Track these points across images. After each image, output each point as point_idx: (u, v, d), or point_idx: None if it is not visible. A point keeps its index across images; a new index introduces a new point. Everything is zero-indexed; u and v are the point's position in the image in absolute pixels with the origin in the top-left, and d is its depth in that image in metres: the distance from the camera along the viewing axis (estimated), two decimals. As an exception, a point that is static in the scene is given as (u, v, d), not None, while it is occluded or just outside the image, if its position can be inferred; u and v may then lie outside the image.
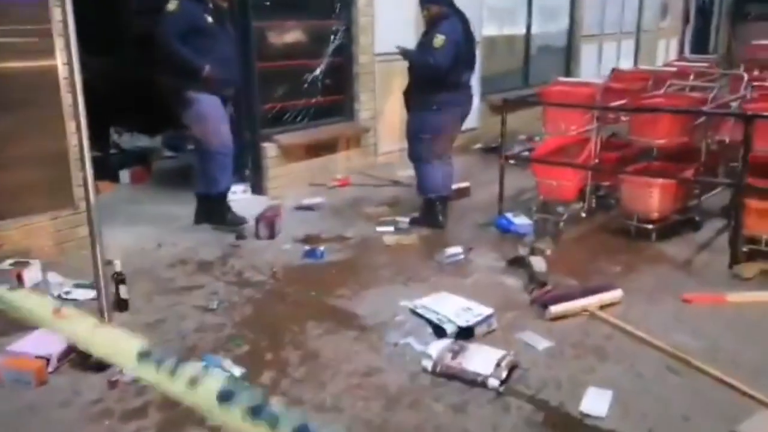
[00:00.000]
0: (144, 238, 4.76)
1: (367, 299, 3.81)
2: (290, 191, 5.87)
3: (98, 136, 6.87)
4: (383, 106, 6.77)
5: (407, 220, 5.08)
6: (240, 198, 5.60)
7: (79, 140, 3.01)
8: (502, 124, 5.03)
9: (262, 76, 5.76)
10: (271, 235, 4.74)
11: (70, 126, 4.18)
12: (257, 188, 5.79)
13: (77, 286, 3.89)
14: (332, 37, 6.30)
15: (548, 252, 4.44)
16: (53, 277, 4.03)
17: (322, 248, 4.47)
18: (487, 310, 3.48)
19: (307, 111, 6.17)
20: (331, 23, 6.28)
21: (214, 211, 5.02)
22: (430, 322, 3.43)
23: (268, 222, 4.73)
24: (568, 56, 10.04)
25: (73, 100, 2.96)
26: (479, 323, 3.38)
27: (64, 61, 3.73)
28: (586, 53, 10.25)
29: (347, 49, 6.42)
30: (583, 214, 5.10)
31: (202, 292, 3.91)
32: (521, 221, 4.96)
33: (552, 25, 9.62)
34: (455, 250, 4.44)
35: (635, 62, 11.67)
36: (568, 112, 4.85)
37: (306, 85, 6.16)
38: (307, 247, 4.51)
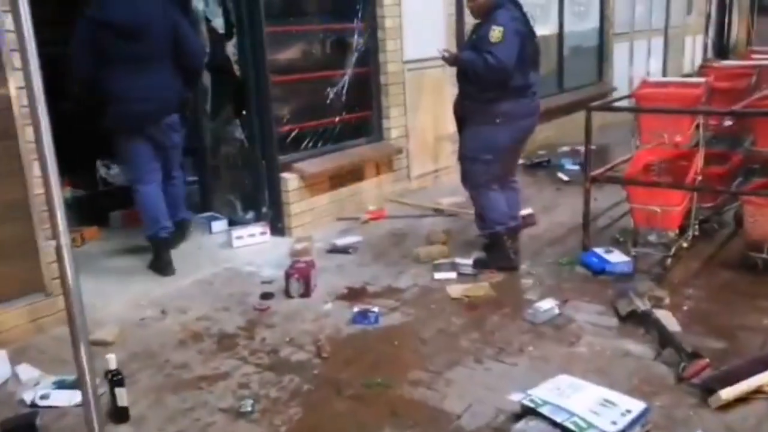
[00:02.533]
0: (143, 301, 3.74)
1: (454, 387, 2.79)
2: (317, 229, 4.86)
3: (83, 172, 5.89)
4: (414, 121, 5.79)
5: (470, 262, 4.07)
6: (258, 241, 4.59)
7: (47, 188, 2.00)
8: (586, 135, 4.04)
9: (276, 92, 4.77)
10: (307, 293, 3.72)
11: (32, 168, 3.19)
12: (277, 228, 4.77)
13: (58, 385, 2.85)
14: (356, 43, 5.31)
15: (666, 300, 3.46)
16: (26, 371, 3.01)
17: (375, 309, 3.45)
18: (637, 404, 2.47)
19: (330, 132, 5.18)
20: (353, 27, 5.30)
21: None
22: (561, 427, 2.41)
23: (303, 276, 3.72)
24: (600, 56, 9.10)
25: (36, 135, 1.95)
26: (632, 426, 2.37)
27: (20, 84, 2.78)
28: (618, 52, 9.32)
29: (373, 57, 5.43)
30: (685, 245, 4.11)
31: (229, 384, 2.88)
32: (616, 258, 3.96)
33: (582, 24, 8.68)
34: (548, 303, 3.44)
35: (664, 61, 10.79)
36: (671, 119, 3.87)
37: (328, 101, 5.16)
38: (355, 309, 3.49)
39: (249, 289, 3.85)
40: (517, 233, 4.19)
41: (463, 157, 4.08)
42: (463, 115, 4.06)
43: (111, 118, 4.06)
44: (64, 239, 1.98)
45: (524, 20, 3.89)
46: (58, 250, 1.97)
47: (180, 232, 4.58)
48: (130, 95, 3.97)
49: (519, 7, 3.94)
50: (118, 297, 3.77)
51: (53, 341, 3.24)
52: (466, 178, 4.10)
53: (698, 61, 12.42)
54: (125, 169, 4.35)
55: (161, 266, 4.17)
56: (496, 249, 4.07)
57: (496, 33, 3.70)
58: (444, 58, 4.06)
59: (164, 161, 4.33)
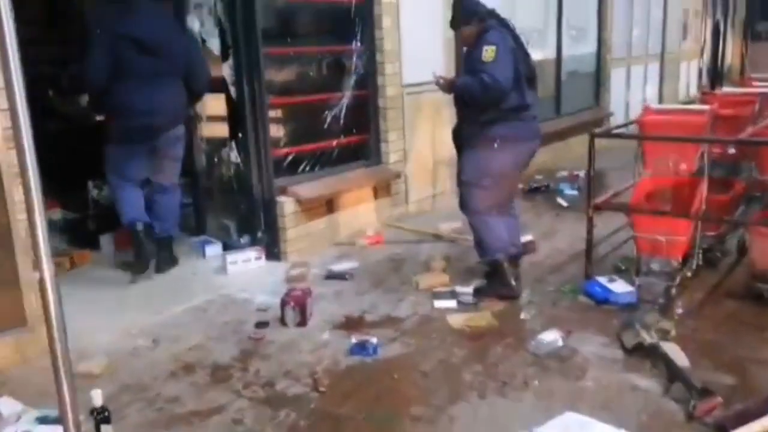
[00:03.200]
0: (134, 330, 3.62)
1: (458, 424, 2.68)
2: (313, 254, 4.75)
3: (73, 193, 5.78)
4: (412, 145, 5.72)
5: (470, 290, 3.97)
6: (253, 266, 4.48)
7: (30, 215, 1.90)
8: (589, 162, 3.98)
9: (272, 115, 4.69)
10: (303, 321, 3.61)
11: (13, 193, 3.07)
12: (273, 253, 4.66)
13: (40, 420, 2.72)
14: (354, 65, 5.25)
15: (672, 332, 3.36)
16: (7, 404, 2.86)
17: (374, 340, 3.34)
18: (649, 445, 2.38)
19: (328, 155, 5.09)
20: (352, 49, 5.24)
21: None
22: (570, 469, 2.30)
23: (299, 304, 3.61)
24: (597, 81, 9.09)
25: (19, 158, 1.85)
26: (645, 468, 2.27)
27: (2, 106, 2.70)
28: (615, 77, 9.32)
29: (372, 80, 5.37)
30: (689, 274, 4.03)
31: (222, 419, 2.77)
32: (619, 287, 3.87)
33: (580, 48, 8.68)
34: (551, 335, 3.33)
35: (660, 86, 10.81)
36: (676, 146, 3.81)
37: (326, 125, 5.09)
38: (353, 339, 3.37)
39: (244, 317, 3.74)
40: (518, 260, 4.11)
41: (462, 183, 3.99)
42: (461, 139, 3.99)
43: (119, 131, 4.20)
44: (48, 271, 1.88)
45: (516, 40, 3.83)
46: (41, 283, 1.86)
47: (166, 250, 4.51)
48: (144, 108, 4.12)
49: (510, 28, 3.89)
50: (109, 325, 3.64)
51: (38, 372, 3.11)
52: (465, 204, 3.99)
53: (693, 87, 12.49)
54: (107, 167, 4.35)
55: (137, 262, 4.26)
56: (497, 277, 3.98)
57: (488, 52, 3.63)
58: (438, 85, 3.99)
59: (158, 173, 4.41)
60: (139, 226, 4.28)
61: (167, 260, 4.50)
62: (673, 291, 3.80)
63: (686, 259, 4.01)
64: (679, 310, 3.68)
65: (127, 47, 4.04)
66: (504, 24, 3.88)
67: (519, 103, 3.76)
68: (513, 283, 3.94)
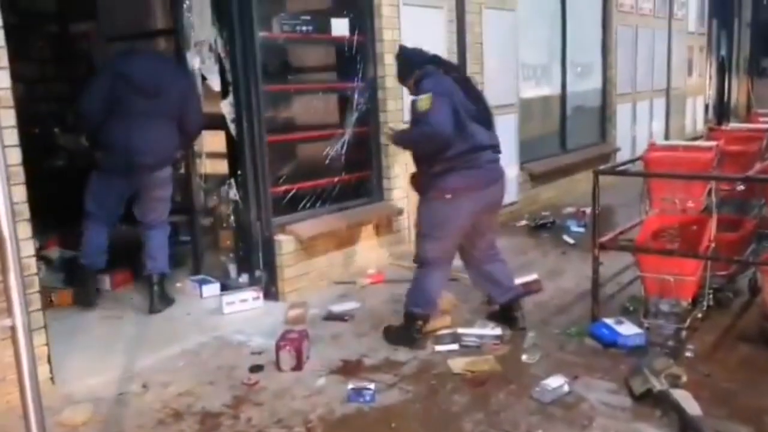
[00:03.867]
0: (122, 374, 3.50)
1: (457, 478, 2.54)
2: (312, 294, 4.64)
3: (72, 231, 5.71)
4: (414, 181, 5.64)
5: (473, 331, 3.84)
6: (251, 307, 4.38)
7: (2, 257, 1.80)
8: (593, 200, 3.87)
9: (272, 152, 4.63)
10: (299, 366, 3.48)
11: None
12: (271, 293, 4.56)
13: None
14: (356, 102, 5.21)
15: (683, 378, 3.21)
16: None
17: (371, 387, 3.21)
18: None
19: (329, 192, 5.02)
20: (353, 86, 5.19)
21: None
22: None
23: (294, 348, 3.49)
24: (603, 117, 9.04)
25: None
26: None
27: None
28: (621, 113, 9.27)
29: (373, 117, 5.32)
30: (699, 315, 3.89)
31: (209, 472, 2.64)
32: (627, 329, 3.73)
33: (584, 84, 8.65)
34: (557, 381, 3.19)
35: (667, 122, 10.76)
36: (682, 184, 3.71)
37: (326, 161, 5.02)
38: (350, 385, 3.24)
39: (237, 361, 3.62)
40: (518, 301, 3.99)
41: (416, 232, 3.88)
42: (416, 189, 3.86)
43: (103, 162, 4.30)
44: (20, 318, 1.78)
45: (461, 83, 3.70)
46: (13, 331, 1.76)
47: (160, 289, 4.45)
48: (129, 145, 4.16)
49: (454, 69, 3.82)
50: (98, 368, 3.53)
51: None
52: (415, 252, 3.84)
53: (700, 123, 12.44)
54: (86, 194, 4.40)
55: (85, 296, 4.45)
56: (407, 328, 3.79)
57: (423, 101, 3.50)
58: (391, 139, 3.97)
59: (146, 213, 4.45)
60: (90, 268, 4.46)
61: (161, 299, 4.41)
62: (684, 334, 3.66)
63: (696, 300, 3.88)
64: (690, 354, 3.54)
65: (123, 86, 4.14)
66: (448, 67, 3.79)
67: (467, 147, 3.57)
68: (416, 339, 3.74)
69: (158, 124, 4.24)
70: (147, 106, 4.17)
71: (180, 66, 4.61)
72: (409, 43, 5.37)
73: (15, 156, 3.04)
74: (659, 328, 3.76)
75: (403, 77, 3.88)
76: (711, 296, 3.99)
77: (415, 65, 3.76)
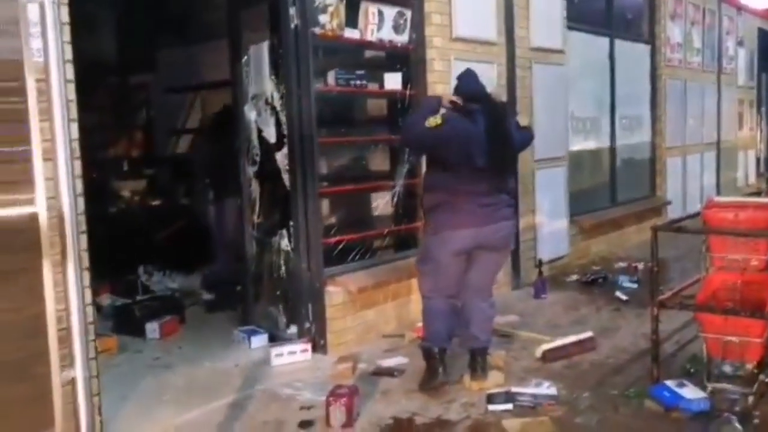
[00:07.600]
0: (169, 429, 3.46)
1: None
2: (361, 347, 4.59)
3: (124, 278, 5.81)
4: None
5: (528, 390, 3.74)
6: (299, 359, 4.34)
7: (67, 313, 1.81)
8: (652, 257, 3.78)
9: (324, 203, 4.66)
10: (349, 423, 3.42)
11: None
12: (319, 345, 4.52)
13: None
14: (406, 155, 5.23)
15: (754, 449, 3.06)
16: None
17: (425, 447, 3.13)
18: None
19: (379, 244, 5.01)
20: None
21: None
22: None
23: (345, 404, 3.43)
24: (652, 170, 8.91)
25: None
26: None
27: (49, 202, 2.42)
28: (671, 166, 9.14)
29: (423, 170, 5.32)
30: (766, 380, 3.71)
31: None
32: (690, 393, 3.58)
33: (634, 137, 8.57)
34: (618, 446, 3.07)
35: (718, 175, 10.57)
36: (745, 242, 3.59)
37: (377, 213, 5.03)
38: (403, 445, 3.16)
39: (285, 416, 3.56)
40: (479, 354, 3.96)
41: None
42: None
43: None
44: (82, 371, 1.78)
45: (493, 125, 3.74)
46: (73, 384, 1.76)
47: None
48: None
49: (490, 109, 3.83)
50: (141, 422, 3.51)
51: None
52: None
53: (752, 176, 12.19)
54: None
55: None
56: (425, 365, 3.91)
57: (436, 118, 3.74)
58: None
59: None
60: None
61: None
62: (750, 399, 3.49)
63: (763, 363, 3.71)
64: (757, 422, 3.37)
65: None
66: (486, 104, 3.83)
67: (453, 190, 3.72)
68: (439, 374, 3.85)
69: None
70: None
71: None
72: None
73: (79, 205, 3.10)
74: (724, 392, 3.60)
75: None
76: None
77: (456, 91, 4.03)
